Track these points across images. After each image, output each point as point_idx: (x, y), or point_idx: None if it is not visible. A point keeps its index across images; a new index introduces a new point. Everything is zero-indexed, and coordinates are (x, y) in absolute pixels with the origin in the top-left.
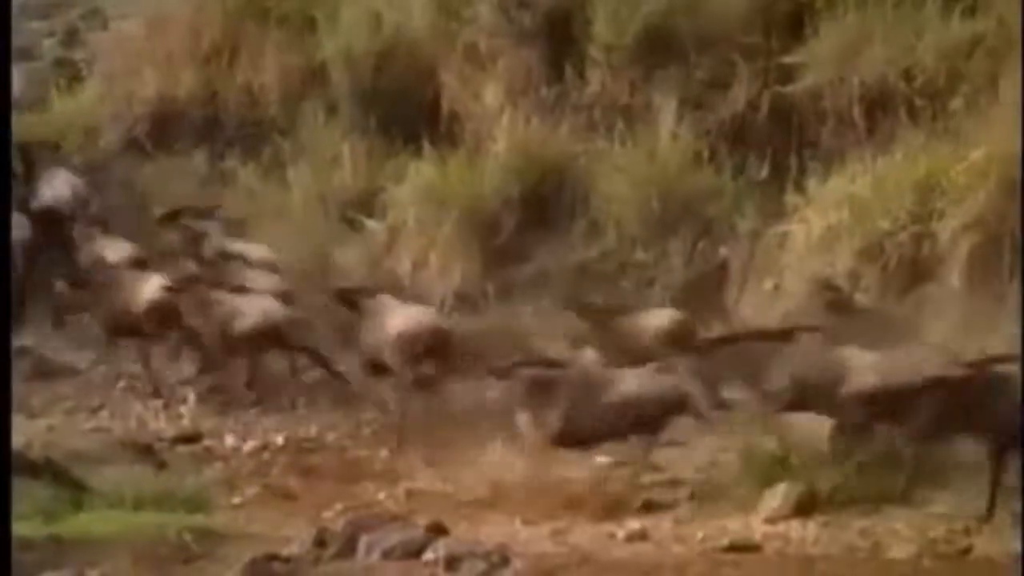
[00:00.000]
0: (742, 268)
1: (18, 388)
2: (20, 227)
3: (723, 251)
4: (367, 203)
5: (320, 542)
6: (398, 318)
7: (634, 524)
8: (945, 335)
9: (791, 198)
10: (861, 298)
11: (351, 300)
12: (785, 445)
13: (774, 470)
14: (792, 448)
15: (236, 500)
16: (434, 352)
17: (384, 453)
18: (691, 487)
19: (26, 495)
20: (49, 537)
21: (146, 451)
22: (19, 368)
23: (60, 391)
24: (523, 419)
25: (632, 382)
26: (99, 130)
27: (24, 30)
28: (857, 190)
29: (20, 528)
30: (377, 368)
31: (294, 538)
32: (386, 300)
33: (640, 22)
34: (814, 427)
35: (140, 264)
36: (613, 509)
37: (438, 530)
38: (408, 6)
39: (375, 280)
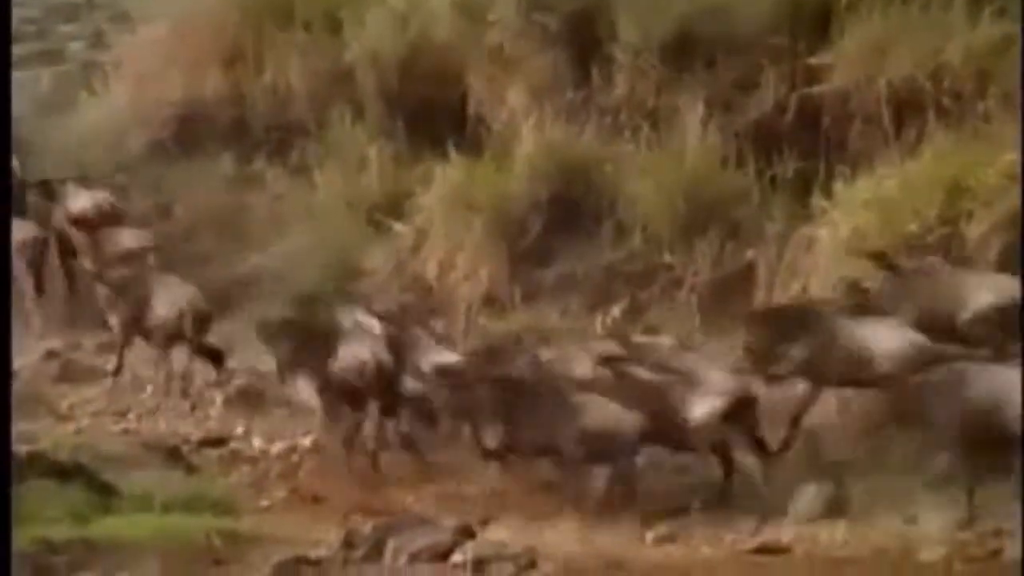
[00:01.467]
0: (769, 270)
1: (47, 391)
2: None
3: (750, 253)
4: (394, 206)
5: (348, 545)
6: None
7: (662, 527)
8: None
9: (818, 200)
10: None
11: None
12: (811, 446)
13: (803, 471)
14: (821, 449)
15: (264, 503)
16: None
17: (410, 456)
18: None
19: (56, 498)
20: (79, 540)
21: (174, 454)
22: (47, 371)
23: (89, 394)
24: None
25: None
26: (126, 133)
27: (51, 33)
28: (885, 192)
29: (50, 531)
30: None
31: (322, 541)
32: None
33: (666, 24)
34: (842, 428)
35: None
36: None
37: (466, 533)
38: (433, 9)
39: (401, 283)
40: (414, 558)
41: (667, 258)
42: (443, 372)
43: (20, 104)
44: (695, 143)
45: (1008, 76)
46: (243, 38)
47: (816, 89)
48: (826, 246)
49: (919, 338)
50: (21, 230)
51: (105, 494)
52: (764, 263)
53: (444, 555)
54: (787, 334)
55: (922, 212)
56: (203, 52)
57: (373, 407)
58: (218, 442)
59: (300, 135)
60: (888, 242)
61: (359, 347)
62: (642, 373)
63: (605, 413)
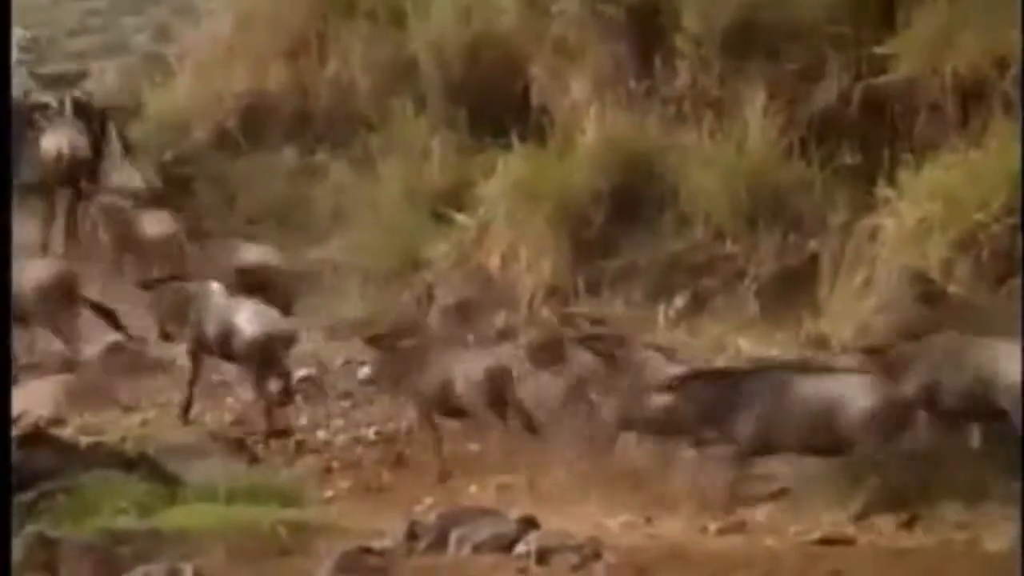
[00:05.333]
0: (832, 261)
1: (112, 383)
2: None
3: (813, 244)
4: (456, 197)
5: (412, 535)
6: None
7: (727, 517)
8: None
9: (882, 190)
10: (954, 290)
11: None
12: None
13: (868, 463)
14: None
15: (329, 493)
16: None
17: (475, 447)
18: (784, 480)
19: (121, 489)
20: (144, 530)
21: (239, 445)
22: (114, 363)
23: (154, 386)
24: None
25: None
26: (190, 125)
27: (116, 25)
28: (950, 181)
29: (115, 522)
30: None
31: (386, 531)
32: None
33: (728, 14)
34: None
35: None
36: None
37: (530, 523)
38: (497, 1)
39: (464, 274)
40: (478, 549)
41: (729, 249)
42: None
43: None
44: (757, 133)
45: None
46: (307, 30)
47: (881, 79)
48: (891, 236)
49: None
50: None
51: (170, 485)
52: (827, 254)
53: (508, 546)
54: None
55: (987, 201)
56: (267, 44)
57: None
58: (283, 433)
59: (363, 127)
60: (954, 231)
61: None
62: None
63: None
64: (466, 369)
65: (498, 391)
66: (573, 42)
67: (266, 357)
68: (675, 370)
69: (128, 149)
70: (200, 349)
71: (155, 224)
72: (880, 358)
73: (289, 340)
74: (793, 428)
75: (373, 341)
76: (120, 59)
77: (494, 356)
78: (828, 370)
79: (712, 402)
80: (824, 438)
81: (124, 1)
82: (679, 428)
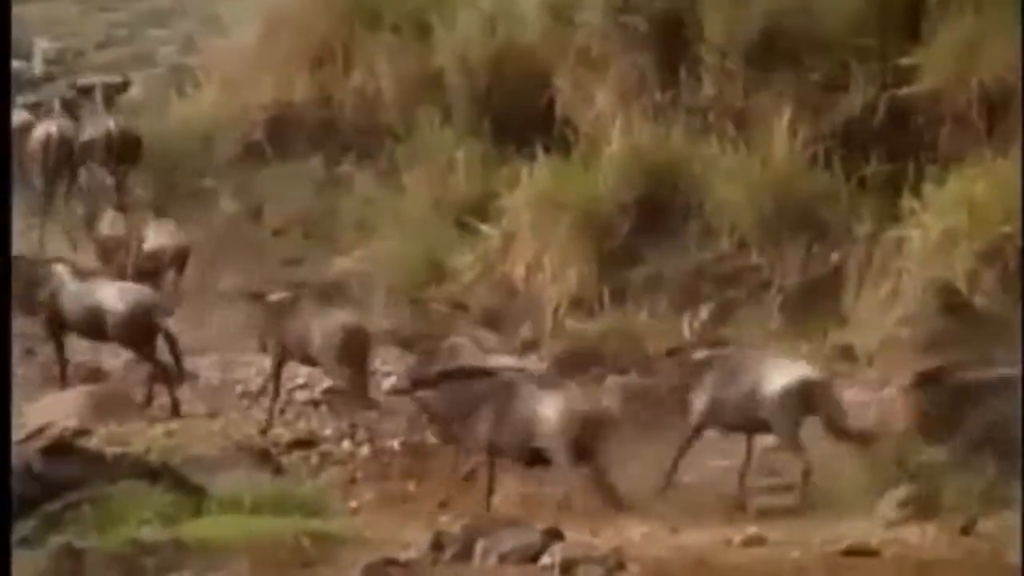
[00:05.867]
0: (858, 272)
1: (137, 393)
2: None
3: (838, 255)
4: (481, 208)
5: (437, 546)
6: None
7: (751, 528)
8: None
9: (908, 201)
10: (980, 301)
11: None
12: (903, 448)
13: (893, 473)
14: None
15: (353, 504)
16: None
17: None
18: (808, 491)
19: (146, 499)
20: (168, 541)
21: (264, 456)
22: (137, 374)
23: (179, 396)
24: None
25: None
26: (216, 136)
27: (141, 37)
28: (976, 192)
29: (140, 532)
30: None
31: (411, 542)
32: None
33: (753, 25)
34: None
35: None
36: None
37: (555, 534)
38: (521, 12)
39: (489, 285)
40: (503, 560)
41: (754, 260)
42: None
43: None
44: (782, 144)
45: None
46: (332, 41)
47: (906, 90)
48: (916, 247)
49: None
50: None
51: (195, 495)
52: (853, 264)
53: (533, 557)
54: None
55: (1013, 212)
56: (292, 56)
57: None
58: (307, 444)
59: (388, 138)
60: (979, 242)
61: None
62: None
63: None
64: None
65: None
66: (597, 53)
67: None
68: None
69: None
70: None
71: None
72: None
73: (164, 312)
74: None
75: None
76: (147, 71)
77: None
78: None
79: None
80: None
81: (149, 13)
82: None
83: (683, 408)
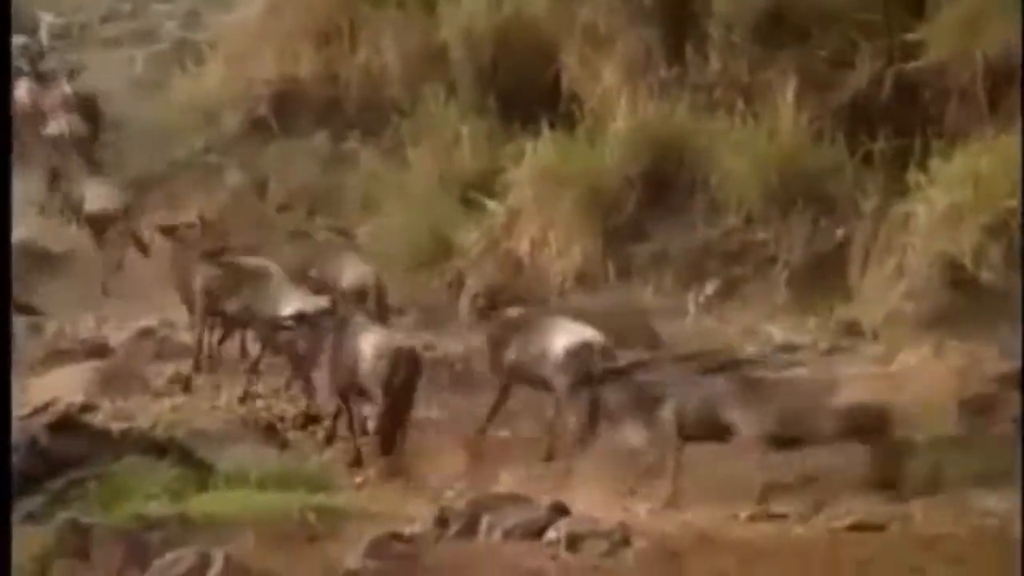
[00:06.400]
0: (864, 247)
1: (143, 368)
2: None
3: (844, 230)
4: (487, 184)
5: (441, 521)
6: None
7: (755, 505)
8: None
9: (914, 176)
10: (985, 276)
11: None
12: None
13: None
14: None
15: (359, 479)
16: None
17: (505, 434)
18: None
19: (152, 474)
20: (174, 516)
21: (269, 431)
22: (143, 349)
23: (184, 371)
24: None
25: None
26: (220, 112)
27: (145, 12)
28: (982, 167)
29: (146, 507)
30: None
31: (416, 517)
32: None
33: (759, 1)
34: (940, 406)
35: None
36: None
37: (559, 510)
38: None
39: (494, 261)
40: (508, 535)
41: (760, 235)
42: None
43: (113, 83)
44: (789, 120)
45: None
46: (337, 17)
47: (911, 65)
48: (922, 222)
49: None
50: None
51: (200, 470)
52: (859, 239)
53: (538, 532)
54: None
55: (1018, 187)
56: (297, 31)
57: None
58: (313, 419)
59: (393, 113)
60: (985, 217)
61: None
62: None
63: None
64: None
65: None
66: (603, 29)
67: None
68: None
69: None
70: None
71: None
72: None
73: None
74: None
75: None
76: (150, 47)
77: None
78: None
79: None
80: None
81: None
82: None
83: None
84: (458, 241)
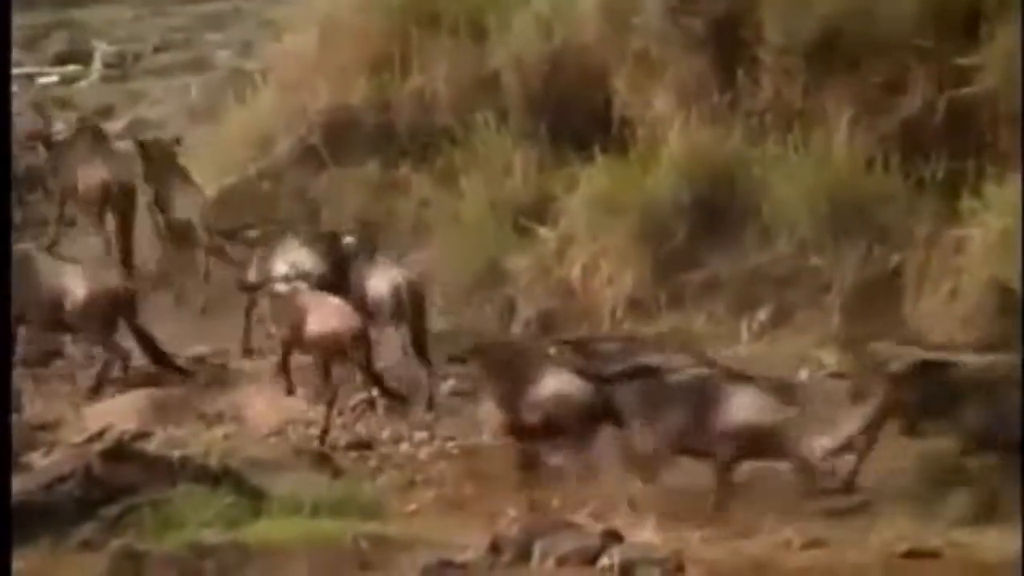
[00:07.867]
0: (918, 273)
1: (195, 397)
2: None
3: (898, 256)
4: (539, 211)
5: (495, 548)
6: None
7: (810, 531)
8: None
9: (967, 202)
10: None
11: None
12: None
13: (952, 475)
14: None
15: (411, 507)
16: None
17: (556, 459)
18: (867, 493)
19: (206, 502)
20: (228, 544)
21: (322, 458)
22: (196, 376)
23: (237, 399)
24: None
25: None
26: (273, 140)
27: (199, 41)
28: None
29: (200, 535)
30: None
31: (469, 545)
32: None
33: (812, 26)
34: None
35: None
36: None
37: (613, 536)
38: (578, 14)
39: (546, 288)
40: (561, 562)
41: (813, 261)
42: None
43: (169, 112)
44: (841, 145)
45: None
46: (389, 45)
47: (965, 91)
48: (976, 248)
49: None
50: None
51: (254, 498)
52: (913, 265)
53: (592, 559)
54: None
55: None
56: (349, 59)
57: None
58: (365, 446)
59: (445, 141)
60: None
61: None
62: None
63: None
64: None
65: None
66: (655, 55)
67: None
68: None
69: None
70: None
71: None
72: None
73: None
74: None
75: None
76: (204, 75)
77: None
78: None
79: None
80: None
81: (207, 17)
82: None
83: None
84: (510, 268)
